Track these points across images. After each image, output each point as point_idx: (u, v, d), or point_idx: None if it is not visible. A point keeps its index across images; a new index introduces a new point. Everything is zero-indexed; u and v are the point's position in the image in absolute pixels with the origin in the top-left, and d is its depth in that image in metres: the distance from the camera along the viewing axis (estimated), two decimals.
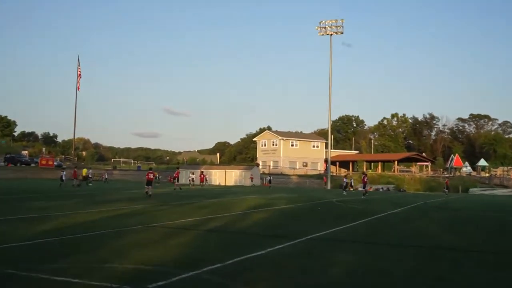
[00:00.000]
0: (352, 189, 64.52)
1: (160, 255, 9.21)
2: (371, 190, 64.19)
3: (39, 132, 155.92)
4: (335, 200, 30.83)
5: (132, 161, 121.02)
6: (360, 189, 41.05)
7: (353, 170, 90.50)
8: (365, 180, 40.28)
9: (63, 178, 42.53)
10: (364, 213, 20.92)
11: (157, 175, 57.98)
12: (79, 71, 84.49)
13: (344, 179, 47.41)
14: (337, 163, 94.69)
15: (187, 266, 8.29)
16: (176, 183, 42.68)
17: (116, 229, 12.95)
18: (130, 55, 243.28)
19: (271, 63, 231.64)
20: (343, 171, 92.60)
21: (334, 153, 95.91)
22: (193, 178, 54.23)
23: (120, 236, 11.78)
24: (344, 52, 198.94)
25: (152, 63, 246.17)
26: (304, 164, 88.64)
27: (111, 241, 10.97)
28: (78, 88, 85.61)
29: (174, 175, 47.02)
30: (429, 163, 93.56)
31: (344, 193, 41.82)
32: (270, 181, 61.26)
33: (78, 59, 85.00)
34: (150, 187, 29.69)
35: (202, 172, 57.64)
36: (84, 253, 9.26)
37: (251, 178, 65.70)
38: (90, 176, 53.81)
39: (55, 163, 79.67)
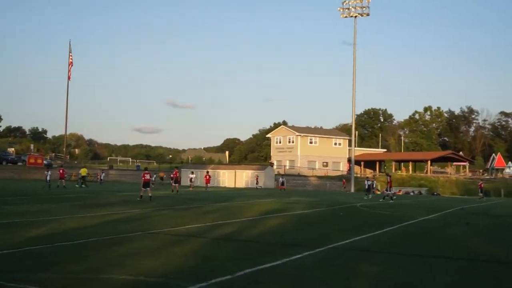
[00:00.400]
0: (378, 192, 64.42)
1: (162, 266, 9.26)
2: (400, 193, 63.98)
3: (27, 127, 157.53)
4: (359, 205, 30.74)
5: (130, 159, 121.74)
6: (387, 192, 40.93)
7: (380, 171, 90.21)
8: (390, 182, 40.58)
9: (48, 178, 42.79)
10: (392, 220, 20.84)
11: (155, 176, 58.38)
12: (71, 59, 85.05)
13: (367, 181, 47.23)
14: (362, 163, 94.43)
15: (193, 278, 8.32)
16: (173, 184, 42.51)
17: (112, 236, 13.04)
18: (128, 40, 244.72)
19: (287, 50, 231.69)
20: (368, 172, 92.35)
21: (359, 151, 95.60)
22: (191, 179, 54.41)
23: (117, 243, 11.86)
24: (371, 38, 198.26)
25: (153, 50, 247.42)
26: (325, 164, 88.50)
27: (107, 249, 11.05)
28: (69, 78, 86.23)
29: (172, 175, 47.03)
30: (466, 163, 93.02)
31: (367, 197, 41.71)
32: (283, 183, 61.27)
33: (70, 45, 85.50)
34: (148, 189, 29.88)
35: (207, 172, 57.75)
36: (77, 263, 9.33)
37: (256, 179, 65.63)
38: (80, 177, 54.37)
39: (44, 161, 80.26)
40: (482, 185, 52.01)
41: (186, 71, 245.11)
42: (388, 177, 41.97)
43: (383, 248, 12.70)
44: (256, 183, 64.99)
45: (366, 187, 45.78)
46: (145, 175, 30.84)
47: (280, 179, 62.90)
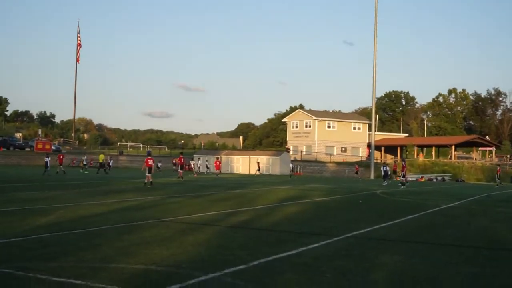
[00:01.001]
0: (400, 178, 64.24)
1: (174, 254, 9.35)
2: (422, 180, 63.72)
3: (35, 112, 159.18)
4: (379, 192, 30.71)
5: (141, 145, 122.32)
6: (401, 178, 40.62)
7: (401, 157, 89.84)
8: (405, 167, 40.20)
9: (48, 164, 43.84)
10: (413, 207, 20.81)
11: (159, 164, 59.26)
12: (79, 40, 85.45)
13: (383, 167, 47.15)
14: (383, 148, 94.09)
15: (205, 267, 8.39)
16: (180, 171, 42.59)
17: (122, 224, 13.18)
18: (138, 21, 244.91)
19: (302, 31, 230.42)
20: (389, 158, 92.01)
21: (379, 136, 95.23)
22: (194, 165, 55.20)
23: (127, 232, 11.98)
24: (392, 16, 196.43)
25: (164, 32, 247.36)
26: (343, 149, 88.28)
27: (117, 237, 11.17)
28: (78, 60, 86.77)
29: (177, 161, 47.23)
30: (493, 148, 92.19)
31: (385, 183, 41.66)
32: (292, 170, 61.04)
33: (78, 26, 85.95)
34: (148, 175, 30.49)
35: (217, 158, 58.06)
36: (87, 251, 9.46)
37: (258, 164, 65.22)
38: (85, 163, 55.30)
39: (53, 147, 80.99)
40: (500, 171, 52.02)
41: (198, 53, 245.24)
42: (403, 162, 41.72)
43: (404, 237, 12.70)
44: (258, 169, 64.27)
45: (383, 173, 45.73)
46: (148, 160, 31.19)
47: (291, 165, 62.89)
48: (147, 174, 30.72)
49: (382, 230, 13.65)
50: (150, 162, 31.26)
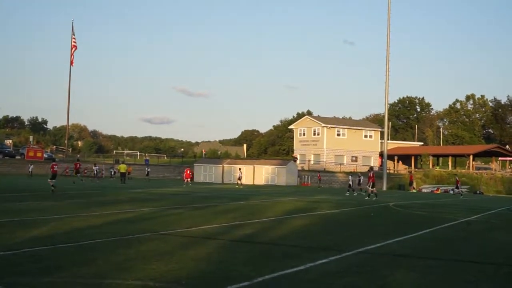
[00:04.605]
0: (414, 190, 64.14)
1: (173, 270, 9.34)
2: (438, 192, 63.60)
3: (26, 117, 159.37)
4: (392, 204, 30.66)
5: (138, 153, 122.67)
6: (370, 188, 39.82)
7: (415, 166, 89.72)
8: (372, 177, 39.22)
9: (30, 171, 45.21)
10: (429, 221, 20.77)
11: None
12: (74, 42, 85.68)
13: (350, 176, 49.02)
14: (396, 158, 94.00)
15: (206, 283, 8.39)
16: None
17: (119, 237, 13.18)
18: (135, 22, 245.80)
19: (310, 32, 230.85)
20: (403, 167, 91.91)
21: (392, 144, 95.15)
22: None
23: (124, 245, 11.98)
24: (406, 17, 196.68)
25: (164, 33, 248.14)
26: (354, 158, 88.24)
27: (113, 251, 11.18)
28: (72, 63, 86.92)
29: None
30: None
31: (347, 194, 41.67)
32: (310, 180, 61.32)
33: (72, 27, 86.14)
34: (54, 180, 31.85)
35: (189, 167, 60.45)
36: (81, 266, 9.45)
37: (240, 175, 61.26)
38: (96, 172, 56.98)
39: (45, 155, 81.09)
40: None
41: (199, 55, 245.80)
42: (370, 173, 40.69)
43: (419, 253, 12.66)
44: (239, 179, 60.07)
45: (351, 183, 47.48)
46: (54, 166, 33.07)
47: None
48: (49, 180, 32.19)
49: (396, 245, 13.61)
50: (56, 168, 33.06)
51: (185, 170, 59.43)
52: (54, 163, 34.17)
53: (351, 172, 55.33)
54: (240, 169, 62.57)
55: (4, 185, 39.25)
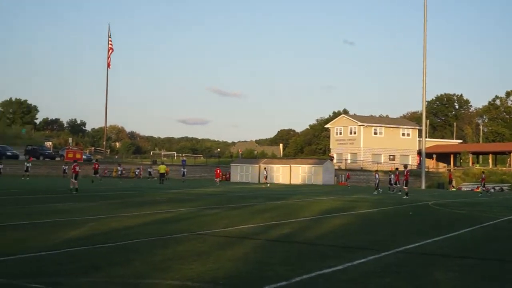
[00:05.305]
0: (454, 188, 63.24)
1: (210, 270, 9.36)
2: (478, 190, 62.58)
3: (65, 119, 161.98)
4: (431, 203, 30.27)
5: (175, 153, 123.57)
6: (398, 186, 38.74)
7: (454, 165, 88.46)
8: (407, 175, 38.54)
9: (0, 171, 46.94)
10: (469, 220, 20.46)
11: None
12: (110, 44, 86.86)
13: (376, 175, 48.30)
14: (434, 156, 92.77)
15: (244, 283, 8.38)
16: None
17: (156, 238, 13.28)
18: (170, 24, 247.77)
19: (346, 29, 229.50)
20: (441, 166, 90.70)
21: (430, 143, 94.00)
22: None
23: (161, 246, 12.07)
24: (444, 12, 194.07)
25: (198, 34, 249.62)
26: (391, 157, 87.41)
27: (151, 252, 11.26)
28: (109, 65, 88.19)
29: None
30: None
31: (375, 192, 41.07)
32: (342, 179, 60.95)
33: (109, 30, 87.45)
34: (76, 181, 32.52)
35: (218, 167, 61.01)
36: (119, 266, 9.56)
37: (265, 175, 62.98)
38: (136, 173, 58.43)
39: (83, 156, 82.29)
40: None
41: (234, 56, 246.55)
42: (405, 170, 39.99)
43: (459, 252, 12.46)
44: (265, 177, 61.31)
45: (377, 181, 47.31)
46: (75, 167, 33.48)
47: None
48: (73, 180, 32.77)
49: (435, 245, 13.43)
50: (77, 168, 33.38)
51: (215, 170, 59.86)
52: (75, 163, 34.62)
53: (377, 171, 54.56)
54: (265, 168, 62.70)
55: (45, 186, 39.98)
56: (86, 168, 64.13)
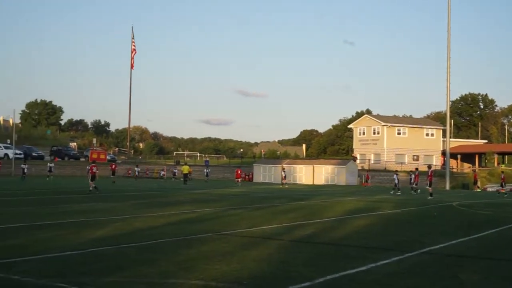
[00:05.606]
0: (479, 189, 62.57)
1: (234, 270, 9.40)
2: (503, 191, 61.87)
3: (89, 120, 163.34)
4: (456, 204, 30.00)
5: (198, 154, 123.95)
6: (427, 186, 38.09)
7: (479, 165, 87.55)
8: (431, 175, 37.98)
9: (25, 171, 47.75)
10: (495, 221, 20.23)
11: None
12: (133, 46, 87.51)
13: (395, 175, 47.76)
14: (459, 156, 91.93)
15: (268, 284, 8.40)
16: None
17: (180, 238, 13.36)
18: (193, 24, 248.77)
19: (369, 29, 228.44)
20: (466, 166, 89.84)
21: (455, 143, 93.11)
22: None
23: (186, 246, 12.14)
24: (468, 10, 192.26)
25: (220, 34, 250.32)
26: (415, 157, 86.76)
27: (176, 251, 11.33)
28: (132, 67, 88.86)
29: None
30: None
31: (392, 192, 40.65)
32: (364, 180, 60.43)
33: (132, 31, 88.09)
34: (93, 182, 32.90)
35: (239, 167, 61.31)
36: (144, 266, 9.63)
37: (283, 174, 60.73)
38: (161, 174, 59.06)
39: (108, 157, 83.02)
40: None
41: (257, 56, 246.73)
42: (429, 170, 39.44)
43: (484, 253, 12.35)
44: (283, 178, 59.60)
45: (396, 182, 46.35)
46: (92, 168, 33.91)
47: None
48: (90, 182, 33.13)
49: (460, 246, 13.32)
50: (95, 169, 33.76)
51: (236, 170, 60.12)
52: (93, 164, 34.91)
53: (396, 171, 54.01)
54: (283, 169, 62.27)
55: (69, 187, 40.40)
56: (108, 168, 64.62)
